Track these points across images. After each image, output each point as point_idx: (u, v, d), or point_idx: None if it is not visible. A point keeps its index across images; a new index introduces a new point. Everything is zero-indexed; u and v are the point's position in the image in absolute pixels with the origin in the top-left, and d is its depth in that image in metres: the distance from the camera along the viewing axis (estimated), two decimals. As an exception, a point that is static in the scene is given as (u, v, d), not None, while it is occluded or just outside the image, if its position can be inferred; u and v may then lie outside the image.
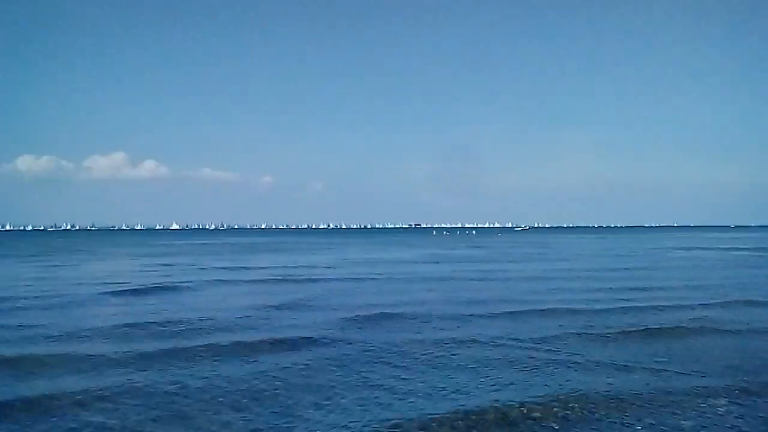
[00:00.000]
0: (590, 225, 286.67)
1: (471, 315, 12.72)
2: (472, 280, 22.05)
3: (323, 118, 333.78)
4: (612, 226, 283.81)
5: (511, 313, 13.02)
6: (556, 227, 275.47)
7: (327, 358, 8.73)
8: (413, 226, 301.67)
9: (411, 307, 13.84)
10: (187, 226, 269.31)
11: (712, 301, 14.72)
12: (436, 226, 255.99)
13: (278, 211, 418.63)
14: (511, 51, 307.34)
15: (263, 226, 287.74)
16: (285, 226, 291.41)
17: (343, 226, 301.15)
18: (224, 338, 10.20)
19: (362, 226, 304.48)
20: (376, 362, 8.54)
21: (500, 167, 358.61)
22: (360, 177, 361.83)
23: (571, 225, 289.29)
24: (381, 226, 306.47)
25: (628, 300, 15.06)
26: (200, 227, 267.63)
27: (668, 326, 11.05)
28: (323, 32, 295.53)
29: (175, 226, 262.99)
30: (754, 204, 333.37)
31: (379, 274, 24.89)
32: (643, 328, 10.90)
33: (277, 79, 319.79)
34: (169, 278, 22.50)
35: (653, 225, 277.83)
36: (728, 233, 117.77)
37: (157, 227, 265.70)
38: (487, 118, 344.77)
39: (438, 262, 33.34)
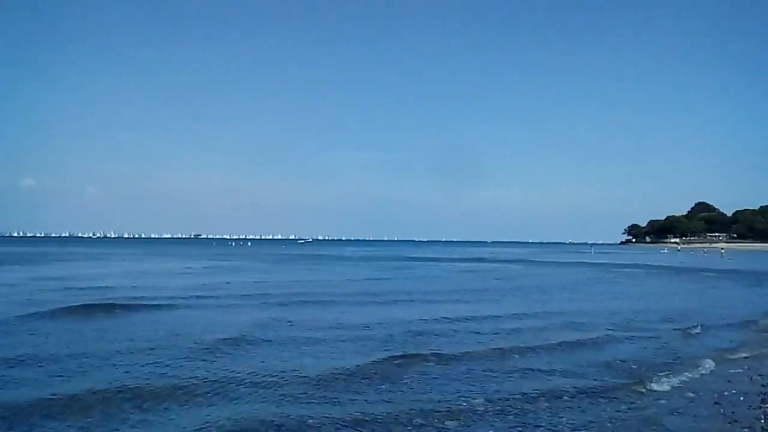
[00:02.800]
0: (364, 238, 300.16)
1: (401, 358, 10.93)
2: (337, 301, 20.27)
3: (103, 117, 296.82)
4: (384, 239, 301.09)
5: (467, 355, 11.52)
6: (336, 240, 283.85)
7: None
8: (193, 236, 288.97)
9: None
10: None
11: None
12: (217, 237, 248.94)
13: (39, 218, 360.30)
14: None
15: (15, 234, 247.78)
16: (42, 234, 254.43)
17: (113, 235, 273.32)
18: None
19: (136, 236, 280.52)
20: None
21: (280, 180, 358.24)
22: (139, 183, 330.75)
23: (350, 238, 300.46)
24: (156, 236, 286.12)
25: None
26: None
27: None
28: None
29: None
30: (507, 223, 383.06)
31: (225, 294, 21.67)
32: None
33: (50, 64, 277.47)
34: None
35: (422, 240, 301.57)
36: (489, 248, 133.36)
37: None
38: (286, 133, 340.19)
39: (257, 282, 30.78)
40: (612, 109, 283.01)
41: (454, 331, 13.57)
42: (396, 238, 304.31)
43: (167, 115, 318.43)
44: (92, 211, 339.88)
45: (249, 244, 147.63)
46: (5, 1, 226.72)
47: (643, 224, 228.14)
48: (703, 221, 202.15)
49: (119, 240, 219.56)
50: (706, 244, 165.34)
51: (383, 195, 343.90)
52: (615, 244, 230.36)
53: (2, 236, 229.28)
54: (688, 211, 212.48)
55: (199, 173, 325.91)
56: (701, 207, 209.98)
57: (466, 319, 15.51)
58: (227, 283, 27.14)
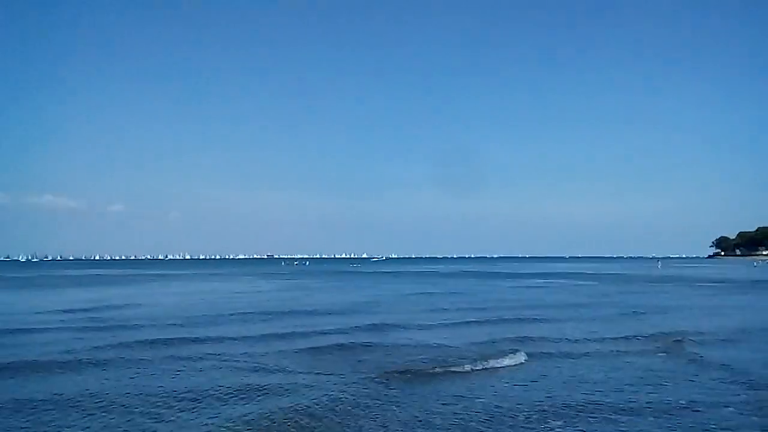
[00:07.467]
0: (432, 256, 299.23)
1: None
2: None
3: (181, 143, 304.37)
4: (454, 257, 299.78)
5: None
6: (407, 258, 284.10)
7: None
8: (267, 257, 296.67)
9: None
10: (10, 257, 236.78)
11: None
12: (285, 256, 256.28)
13: (128, 242, 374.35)
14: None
15: (108, 258, 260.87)
16: (134, 257, 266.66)
17: (201, 257, 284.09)
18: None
19: (210, 257, 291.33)
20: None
21: (352, 200, 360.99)
22: (217, 206, 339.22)
23: (421, 256, 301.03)
24: (233, 257, 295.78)
25: None
26: (43, 259, 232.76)
27: None
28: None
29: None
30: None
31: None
32: None
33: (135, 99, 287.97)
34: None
35: (493, 256, 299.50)
36: (565, 263, 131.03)
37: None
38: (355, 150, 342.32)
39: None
40: (694, 112, 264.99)
41: None
42: (471, 255, 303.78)
43: (238, 142, 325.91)
44: (178, 235, 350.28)
45: (307, 263, 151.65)
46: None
47: (733, 236, 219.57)
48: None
49: (206, 261, 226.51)
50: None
51: (452, 211, 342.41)
52: (702, 257, 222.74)
53: (98, 260, 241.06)
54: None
55: (273, 194, 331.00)
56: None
57: None
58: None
